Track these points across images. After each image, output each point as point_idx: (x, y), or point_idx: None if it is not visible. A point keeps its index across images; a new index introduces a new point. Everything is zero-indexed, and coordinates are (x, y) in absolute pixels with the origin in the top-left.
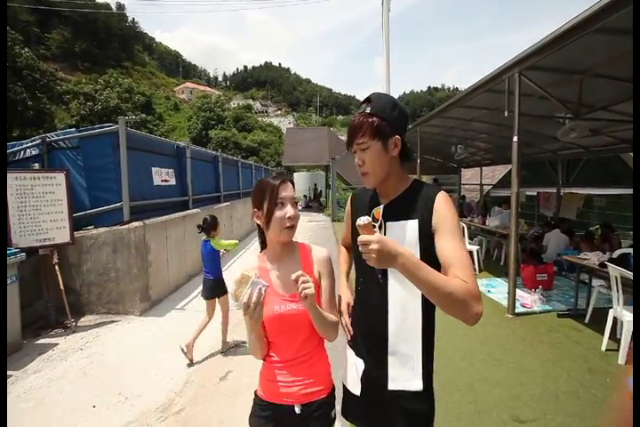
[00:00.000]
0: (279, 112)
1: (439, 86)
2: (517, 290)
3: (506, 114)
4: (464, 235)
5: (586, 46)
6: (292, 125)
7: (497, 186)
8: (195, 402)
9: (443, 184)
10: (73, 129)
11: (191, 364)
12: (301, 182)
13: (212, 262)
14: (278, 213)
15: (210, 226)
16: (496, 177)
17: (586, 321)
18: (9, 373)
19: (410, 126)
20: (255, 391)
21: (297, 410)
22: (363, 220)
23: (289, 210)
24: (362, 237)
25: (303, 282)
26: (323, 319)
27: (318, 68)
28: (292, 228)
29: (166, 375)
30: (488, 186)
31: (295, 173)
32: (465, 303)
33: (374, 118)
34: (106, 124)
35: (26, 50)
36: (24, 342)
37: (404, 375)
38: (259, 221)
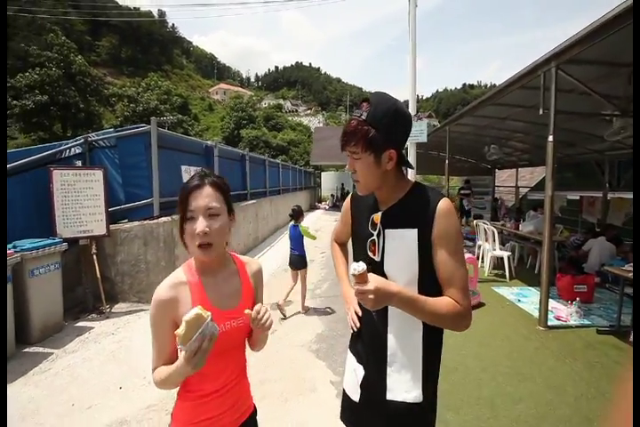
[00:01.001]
0: (309, 111)
1: (475, 83)
2: (552, 301)
3: (541, 112)
4: (494, 240)
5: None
6: (321, 125)
7: (535, 189)
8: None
9: (475, 186)
10: (111, 129)
11: (284, 318)
12: (329, 182)
13: (298, 242)
14: (188, 229)
15: (297, 214)
16: (534, 179)
17: (630, 339)
18: (51, 350)
19: (439, 125)
20: None
21: None
22: (358, 270)
23: (199, 225)
24: (358, 289)
25: (264, 313)
26: (266, 336)
27: (349, 67)
28: (208, 246)
29: None
30: (525, 188)
31: (323, 173)
32: (454, 323)
33: (369, 128)
34: (140, 125)
35: (79, 57)
36: (65, 323)
37: (402, 386)
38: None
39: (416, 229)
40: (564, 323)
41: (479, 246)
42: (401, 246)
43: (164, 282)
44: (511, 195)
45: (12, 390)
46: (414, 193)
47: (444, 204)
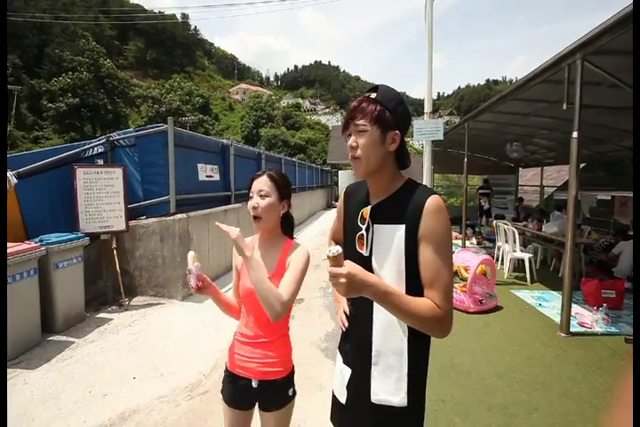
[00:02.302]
0: (327, 110)
1: (499, 79)
2: (577, 306)
3: (564, 106)
4: (515, 241)
5: None
6: (339, 123)
7: (562, 188)
8: (219, 385)
9: (496, 185)
10: (131, 129)
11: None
12: (346, 180)
13: None
14: (248, 205)
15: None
16: (562, 178)
17: None
18: (73, 339)
19: (458, 122)
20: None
21: (254, 384)
22: (333, 251)
23: (251, 201)
24: (331, 270)
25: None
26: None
27: (368, 65)
28: (257, 219)
29: (198, 358)
30: (551, 188)
31: (340, 171)
32: (431, 327)
33: (378, 106)
34: (158, 124)
35: (107, 61)
36: (87, 314)
37: (387, 388)
38: None
39: (404, 226)
40: (589, 330)
41: (499, 247)
42: (388, 242)
43: None
44: (536, 195)
45: (36, 375)
46: (405, 189)
47: (432, 200)
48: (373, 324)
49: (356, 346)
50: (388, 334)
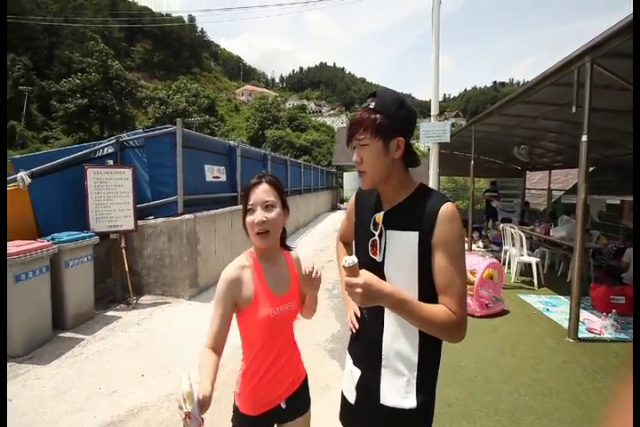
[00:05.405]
0: (332, 112)
1: (506, 81)
2: (585, 312)
3: (573, 110)
4: (522, 245)
5: None
6: (344, 125)
7: (570, 192)
8: (226, 384)
9: (503, 188)
10: (140, 130)
11: None
12: (351, 182)
13: None
14: (248, 219)
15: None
16: (569, 182)
17: None
18: (83, 336)
19: (464, 125)
20: (237, 408)
21: (283, 406)
22: (349, 262)
23: (257, 215)
24: (347, 280)
25: (314, 268)
26: (316, 301)
27: (373, 67)
28: (265, 234)
29: None
30: (559, 191)
31: (345, 173)
32: (446, 333)
33: (377, 115)
34: (166, 126)
35: (116, 62)
36: (96, 312)
37: (396, 391)
38: None
39: (417, 233)
40: (597, 336)
41: (505, 251)
42: (402, 249)
43: (231, 264)
44: (543, 198)
45: (48, 371)
46: (418, 195)
47: (446, 208)
48: (384, 326)
49: (366, 348)
50: (399, 336)
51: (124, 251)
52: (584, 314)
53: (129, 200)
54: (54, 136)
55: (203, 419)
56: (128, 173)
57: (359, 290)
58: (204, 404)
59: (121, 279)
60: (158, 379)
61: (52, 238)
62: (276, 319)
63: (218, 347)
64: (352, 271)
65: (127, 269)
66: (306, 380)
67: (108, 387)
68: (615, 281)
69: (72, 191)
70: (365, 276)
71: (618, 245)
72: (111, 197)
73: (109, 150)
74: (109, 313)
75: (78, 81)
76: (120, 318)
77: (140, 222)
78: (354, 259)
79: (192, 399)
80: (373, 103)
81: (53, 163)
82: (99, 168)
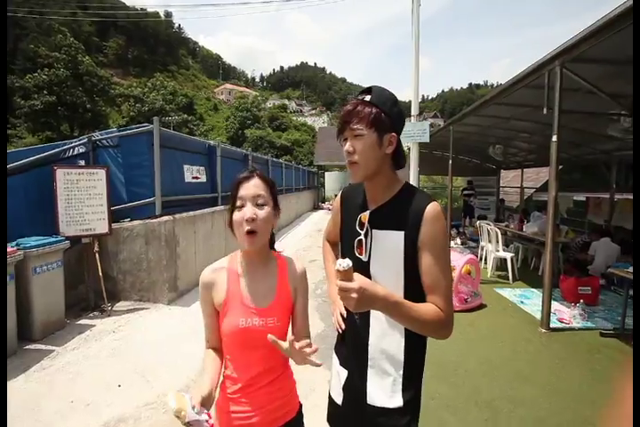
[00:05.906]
0: (313, 111)
1: (481, 83)
2: (555, 303)
3: (545, 111)
4: (498, 241)
5: None
6: (325, 125)
7: (541, 189)
8: None
9: (479, 186)
10: (114, 129)
11: None
12: (333, 182)
13: None
14: (236, 216)
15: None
16: (540, 180)
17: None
18: (52, 347)
19: (442, 125)
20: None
21: None
22: (343, 265)
23: (247, 211)
24: (341, 284)
25: (303, 349)
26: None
27: (354, 67)
28: (253, 233)
29: (185, 363)
30: (530, 189)
31: (327, 173)
32: (435, 331)
33: (373, 108)
34: (143, 124)
35: (86, 58)
36: (67, 321)
37: (383, 390)
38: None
39: (403, 232)
40: (567, 325)
41: (482, 247)
42: (387, 248)
43: (209, 266)
44: (516, 196)
45: (13, 386)
46: (404, 194)
47: (432, 208)
48: (370, 326)
49: (352, 348)
50: (385, 335)
51: (97, 255)
52: (554, 305)
53: (102, 202)
54: (18, 135)
55: (207, 419)
56: (102, 173)
57: (354, 295)
58: (203, 404)
59: (94, 285)
60: (136, 388)
61: (18, 244)
62: (248, 332)
63: (216, 346)
64: (346, 275)
65: (101, 274)
66: (300, 415)
67: (82, 400)
68: (582, 273)
69: (39, 194)
70: (360, 280)
71: (584, 239)
72: (83, 199)
73: (81, 150)
74: (82, 322)
75: (45, 76)
76: (94, 326)
77: (115, 225)
78: (348, 262)
79: (186, 410)
80: (369, 96)
81: (19, 163)
82: (69, 169)
